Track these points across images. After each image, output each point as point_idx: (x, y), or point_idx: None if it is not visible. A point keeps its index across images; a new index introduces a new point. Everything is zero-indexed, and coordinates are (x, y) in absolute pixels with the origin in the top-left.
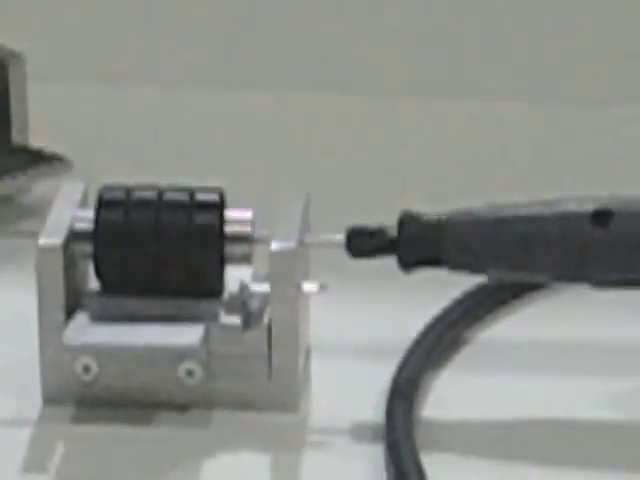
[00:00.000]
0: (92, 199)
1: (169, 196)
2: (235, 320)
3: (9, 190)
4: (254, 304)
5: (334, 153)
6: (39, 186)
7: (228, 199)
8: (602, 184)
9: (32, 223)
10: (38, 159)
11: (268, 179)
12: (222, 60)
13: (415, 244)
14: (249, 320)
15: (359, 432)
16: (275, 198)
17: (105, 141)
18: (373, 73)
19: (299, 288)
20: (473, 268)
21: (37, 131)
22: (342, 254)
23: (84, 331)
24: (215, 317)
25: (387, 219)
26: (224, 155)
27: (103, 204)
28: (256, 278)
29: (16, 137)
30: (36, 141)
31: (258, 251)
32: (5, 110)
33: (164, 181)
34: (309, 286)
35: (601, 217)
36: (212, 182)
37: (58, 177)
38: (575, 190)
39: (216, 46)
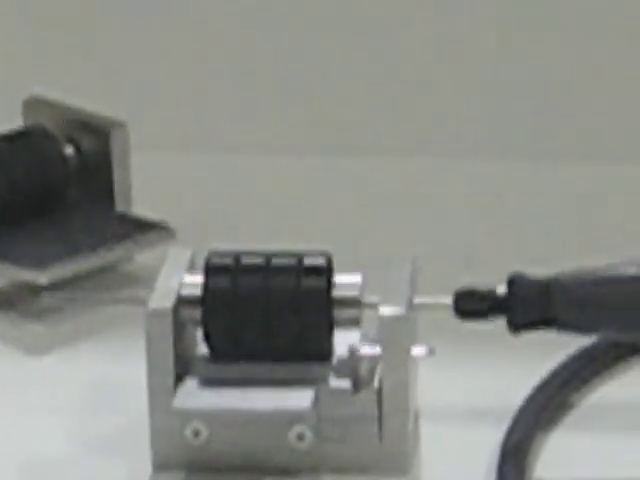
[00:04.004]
0: (199, 265)
1: (276, 261)
2: (345, 383)
3: (112, 258)
4: (363, 367)
5: (436, 216)
6: (142, 254)
7: (335, 263)
8: None
9: (135, 291)
10: (141, 227)
11: (373, 243)
12: (321, 126)
13: (525, 305)
14: (359, 383)
15: None
16: (381, 261)
17: (207, 209)
18: (474, 139)
19: (409, 351)
20: (582, 328)
21: (140, 199)
22: (450, 316)
23: (194, 396)
24: (325, 380)
25: (486, 281)
26: (327, 220)
27: (211, 270)
28: (365, 339)
29: (119, 205)
30: (139, 209)
31: (366, 312)
32: (108, 178)
33: (269, 246)
34: (418, 350)
35: None
36: (317, 247)
37: (161, 245)
38: None
39: (314, 113)
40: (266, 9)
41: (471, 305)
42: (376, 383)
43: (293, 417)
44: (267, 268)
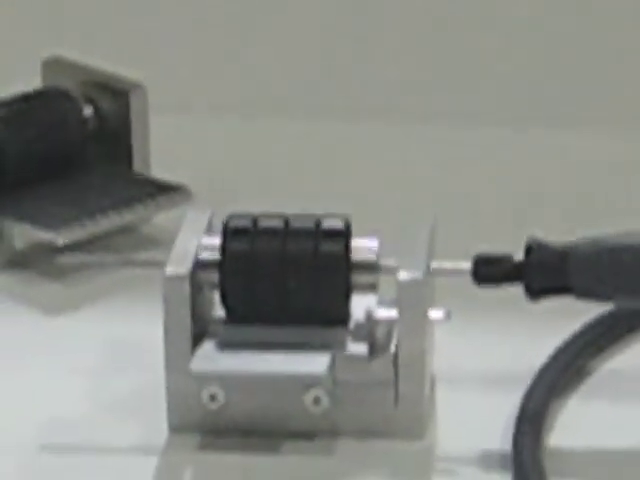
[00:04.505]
0: (216, 228)
1: (295, 224)
2: (361, 348)
3: (130, 220)
4: (380, 331)
5: (458, 180)
6: (160, 216)
7: (352, 227)
8: None
9: (153, 253)
10: (159, 189)
11: (391, 207)
12: (343, 90)
13: (542, 271)
14: (375, 348)
15: (486, 460)
16: (399, 225)
17: (225, 172)
18: (493, 104)
19: (427, 316)
20: (600, 296)
21: (158, 162)
22: (468, 281)
23: (211, 359)
24: (341, 345)
25: (507, 247)
26: (344, 184)
27: (229, 232)
28: (382, 304)
29: (137, 167)
30: (157, 172)
31: (383, 277)
32: (126, 140)
33: (287, 210)
34: (435, 313)
35: None
36: (335, 210)
37: (179, 207)
38: None
39: (334, 77)
40: None
41: (489, 271)
42: (392, 348)
43: (309, 381)
44: (285, 231)
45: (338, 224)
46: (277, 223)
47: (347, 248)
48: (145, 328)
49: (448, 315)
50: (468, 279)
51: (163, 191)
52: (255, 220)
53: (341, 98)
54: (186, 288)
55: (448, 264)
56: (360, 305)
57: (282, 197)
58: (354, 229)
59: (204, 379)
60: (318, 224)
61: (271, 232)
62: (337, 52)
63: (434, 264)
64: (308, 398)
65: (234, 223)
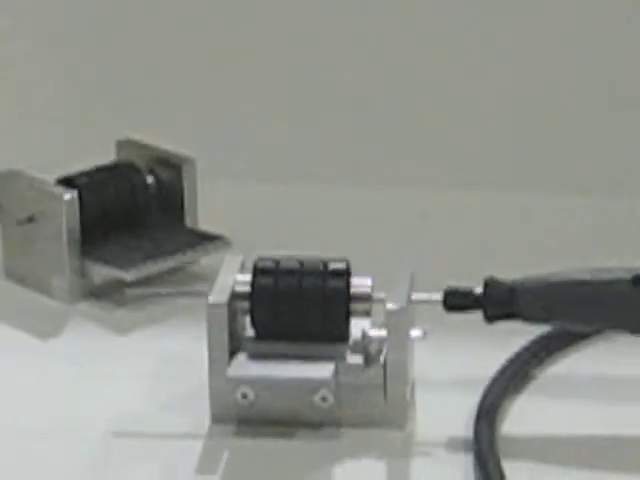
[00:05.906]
0: (248, 268)
1: (308, 265)
2: (358, 359)
3: (182, 262)
4: (373, 347)
5: (435, 231)
6: (205, 259)
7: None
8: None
9: (199, 287)
10: (205, 239)
11: (381, 254)
12: (354, 159)
13: (496, 302)
14: (369, 359)
15: (454, 444)
16: (387, 267)
17: (255, 225)
18: (422, 169)
19: (408, 335)
20: (541, 320)
21: (204, 218)
22: (439, 309)
23: (243, 367)
24: (343, 357)
25: (470, 283)
26: (346, 236)
27: (258, 272)
28: (374, 326)
29: (188, 222)
30: (204, 225)
31: (375, 306)
32: (180, 201)
33: (302, 254)
34: (416, 333)
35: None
36: (339, 255)
37: (220, 252)
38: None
39: (349, 145)
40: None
41: (456, 301)
42: (382, 359)
43: (318, 384)
44: (301, 270)
45: (341, 265)
46: (294, 264)
47: (348, 284)
48: (191, 344)
49: (425, 334)
50: (440, 307)
51: (208, 240)
52: (278, 262)
53: (353, 167)
54: (225, 313)
55: (424, 295)
56: (358, 327)
57: (299, 245)
58: (353, 269)
59: (238, 382)
60: (325, 265)
61: (290, 271)
62: (368, 124)
63: (414, 296)
64: (317, 397)
65: (261, 264)
